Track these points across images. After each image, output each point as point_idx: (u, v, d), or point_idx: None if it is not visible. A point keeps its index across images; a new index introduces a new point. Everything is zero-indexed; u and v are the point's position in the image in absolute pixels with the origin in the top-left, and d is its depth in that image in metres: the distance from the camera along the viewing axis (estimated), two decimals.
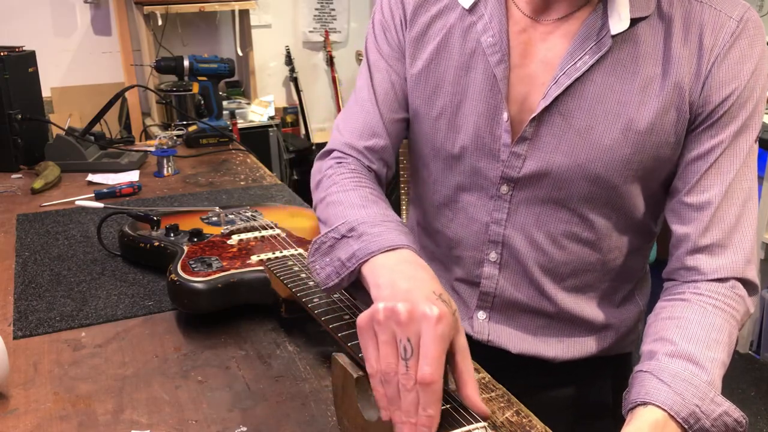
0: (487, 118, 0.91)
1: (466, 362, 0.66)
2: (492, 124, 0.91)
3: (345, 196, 0.88)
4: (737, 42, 0.83)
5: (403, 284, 0.70)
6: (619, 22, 0.84)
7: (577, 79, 0.86)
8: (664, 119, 0.85)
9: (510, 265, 0.97)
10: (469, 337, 1.00)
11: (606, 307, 1.00)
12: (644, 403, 0.74)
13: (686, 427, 0.72)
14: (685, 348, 0.77)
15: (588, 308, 0.98)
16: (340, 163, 0.96)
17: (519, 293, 0.97)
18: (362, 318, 0.65)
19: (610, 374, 1.06)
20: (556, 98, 0.86)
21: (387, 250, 0.77)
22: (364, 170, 0.96)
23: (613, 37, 0.84)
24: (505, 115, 0.89)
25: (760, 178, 2.56)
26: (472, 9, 0.91)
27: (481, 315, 1.00)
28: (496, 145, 0.91)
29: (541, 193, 0.91)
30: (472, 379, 0.65)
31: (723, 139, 0.84)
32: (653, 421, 0.72)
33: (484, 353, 0.97)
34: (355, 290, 0.83)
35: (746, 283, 0.85)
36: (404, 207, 3.32)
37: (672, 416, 0.72)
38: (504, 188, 0.93)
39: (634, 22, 0.84)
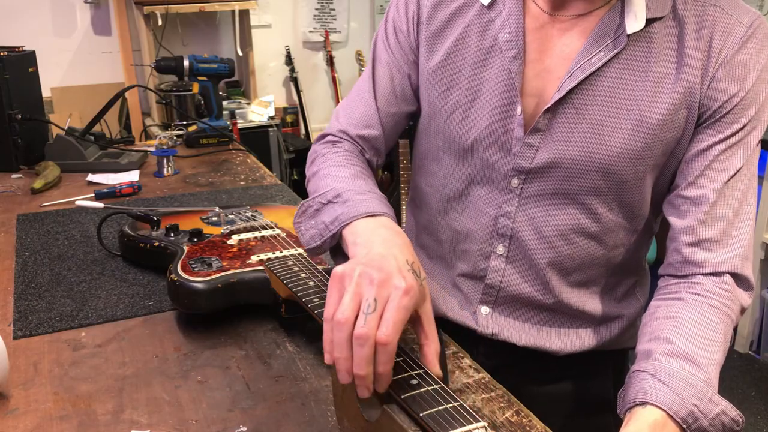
0: (501, 112, 0.92)
1: (430, 326, 0.73)
2: (505, 119, 0.92)
3: (336, 170, 0.94)
4: (745, 46, 0.85)
5: (379, 248, 0.75)
6: (635, 22, 0.86)
7: (591, 74, 0.87)
8: (675, 116, 0.87)
9: (517, 258, 0.97)
10: (473, 331, 1.01)
11: (608, 301, 1.01)
12: (643, 403, 0.74)
13: (685, 426, 0.72)
14: (682, 347, 0.78)
15: (591, 302, 0.99)
16: (335, 144, 1.02)
17: (524, 287, 0.98)
18: (337, 270, 0.69)
19: (611, 369, 1.07)
20: (570, 91, 0.88)
21: (368, 216, 0.83)
22: (357, 152, 1.02)
23: (628, 36, 0.86)
24: (519, 109, 0.91)
25: (760, 178, 2.56)
26: (490, 6, 0.94)
27: (485, 310, 1.01)
28: (509, 138, 0.93)
29: (551, 186, 0.92)
30: (434, 342, 0.72)
31: (724, 138, 0.86)
32: (652, 422, 0.72)
33: (489, 348, 0.97)
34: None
35: (742, 279, 0.86)
36: (404, 207, 3.32)
37: (671, 416, 0.72)
38: (515, 181, 0.94)
39: (649, 22, 0.86)
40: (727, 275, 0.85)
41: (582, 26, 0.89)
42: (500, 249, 0.98)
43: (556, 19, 0.90)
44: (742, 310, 0.87)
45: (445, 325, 1.03)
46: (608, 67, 0.87)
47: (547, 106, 0.89)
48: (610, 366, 1.07)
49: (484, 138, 0.94)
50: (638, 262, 1.02)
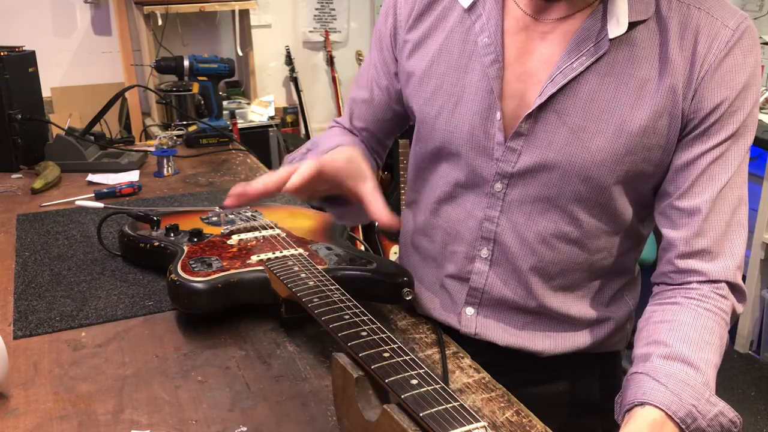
0: (482, 117, 0.92)
1: (375, 195, 0.90)
2: (486, 123, 0.92)
3: (327, 133, 1.12)
4: (731, 52, 0.83)
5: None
6: (617, 26, 0.85)
7: (573, 79, 0.87)
8: (657, 123, 0.86)
9: (500, 262, 0.98)
10: (456, 331, 1.02)
11: (594, 305, 1.00)
12: (642, 404, 0.74)
13: (683, 426, 0.73)
14: (680, 350, 0.78)
15: (575, 306, 0.99)
16: (333, 126, 1.17)
17: (507, 290, 0.98)
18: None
19: (598, 372, 1.07)
20: (552, 96, 0.88)
21: (329, 150, 0.98)
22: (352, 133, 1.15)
23: (610, 40, 0.85)
24: (498, 114, 0.91)
25: (760, 178, 2.56)
26: (470, 9, 0.93)
27: (469, 311, 1.01)
28: (491, 143, 0.93)
29: (533, 191, 0.92)
30: (378, 203, 0.89)
31: (713, 146, 0.85)
32: (651, 421, 0.72)
33: (472, 347, 0.97)
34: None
35: (736, 288, 0.86)
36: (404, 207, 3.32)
37: (669, 416, 0.72)
38: (498, 185, 0.94)
39: (632, 25, 0.85)
40: (723, 282, 0.85)
41: (564, 29, 0.88)
42: (484, 252, 0.98)
43: (537, 22, 0.89)
44: (734, 317, 0.87)
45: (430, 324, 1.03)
46: (590, 72, 0.86)
47: (529, 111, 0.89)
48: (597, 369, 1.07)
49: (467, 143, 0.94)
50: (625, 266, 1.01)
